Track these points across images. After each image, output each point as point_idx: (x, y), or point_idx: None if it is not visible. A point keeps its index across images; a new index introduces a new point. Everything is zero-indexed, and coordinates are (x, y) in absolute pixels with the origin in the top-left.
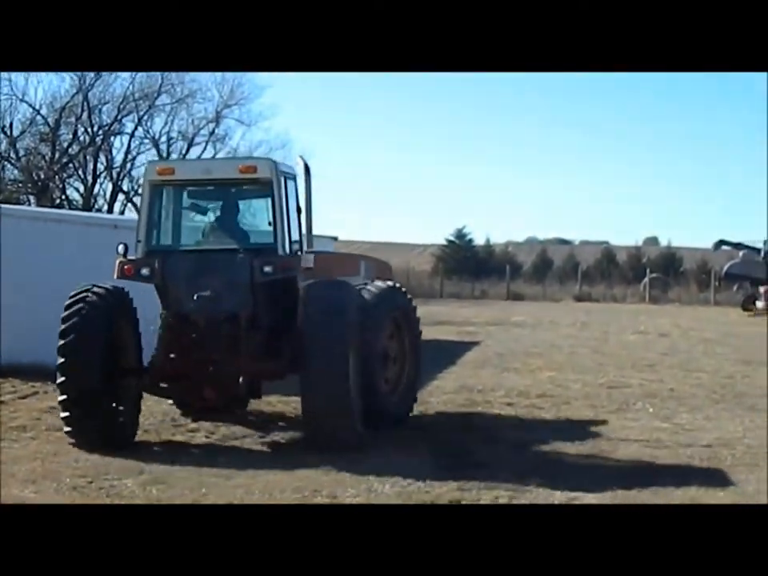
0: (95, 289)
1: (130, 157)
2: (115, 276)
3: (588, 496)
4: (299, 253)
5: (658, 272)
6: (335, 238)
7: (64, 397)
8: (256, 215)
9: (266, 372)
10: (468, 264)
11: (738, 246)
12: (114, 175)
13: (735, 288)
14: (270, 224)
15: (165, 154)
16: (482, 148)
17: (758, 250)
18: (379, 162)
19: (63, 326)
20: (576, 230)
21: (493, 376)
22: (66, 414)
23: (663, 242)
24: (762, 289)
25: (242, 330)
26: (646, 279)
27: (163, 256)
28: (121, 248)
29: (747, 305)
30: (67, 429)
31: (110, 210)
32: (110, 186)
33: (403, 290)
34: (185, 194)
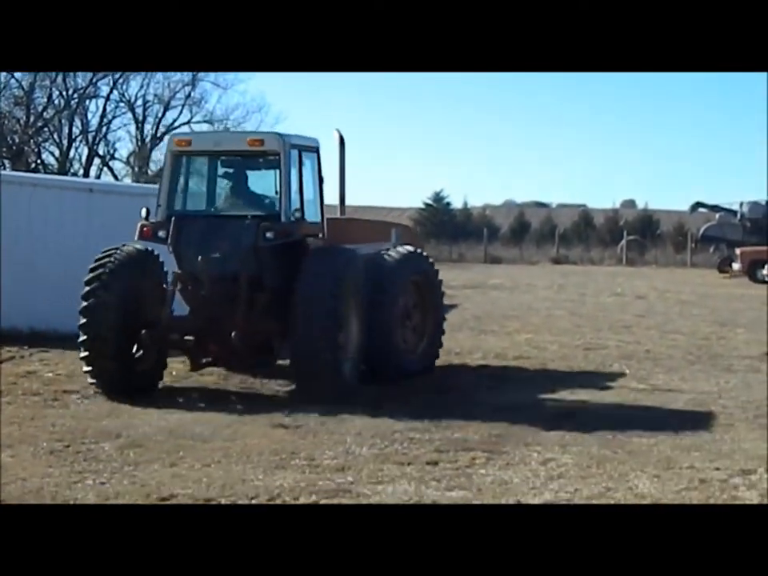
0: (119, 250)
1: (105, 120)
2: (136, 237)
3: (564, 457)
4: (305, 219)
5: (635, 234)
6: None
7: (84, 337)
8: (265, 185)
9: (262, 331)
10: (446, 227)
11: (714, 208)
12: (90, 139)
13: (711, 250)
14: (276, 193)
15: (141, 118)
16: (459, 111)
17: (734, 212)
18: (356, 124)
19: (86, 281)
20: (553, 193)
21: (470, 338)
22: (85, 353)
23: (640, 205)
24: (737, 251)
25: (242, 290)
26: (623, 242)
27: (178, 220)
28: (143, 212)
29: (723, 267)
30: (86, 369)
31: (86, 174)
32: (86, 150)
33: (425, 254)
34: (201, 164)
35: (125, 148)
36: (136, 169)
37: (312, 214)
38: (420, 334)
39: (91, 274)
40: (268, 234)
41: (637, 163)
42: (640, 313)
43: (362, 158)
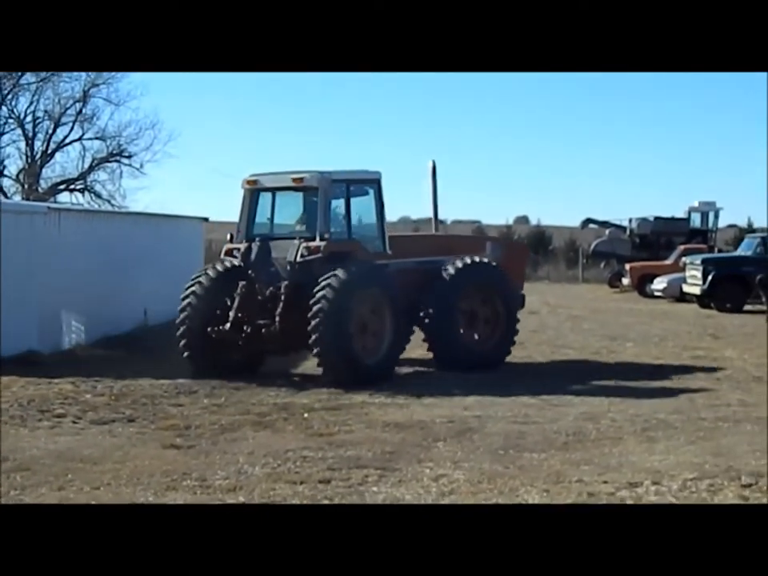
0: (207, 269)
1: None
2: (222, 255)
3: (455, 473)
4: (336, 238)
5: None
6: (206, 219)
7: (178, 331)
8: (310, 213)
9: (294, 328)
10: None
11: (604, 224)
12: None
13: (602, 265)
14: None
15: (30, 134)
16: (363, 119)
17: (624, 228)
18: (251, 141)
19: (182, 296)
20: (449, 209)
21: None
22: (181, 342)
23: (533, 221)
24: (627, 266)
25: (286, 296)
26: None
27: (248, 242)
28: (228, 236)
29: (613, 281)
30: (185, 353)
31: None
32: None
33: (492, 264)
34: (266, 198)
35: (14, 165)
36: (26, 186)
37: (359, 235)
38: (488, 333)
39: (186, 287)
40: (303, 252)
41: (529, 181)
42: (533, 328)
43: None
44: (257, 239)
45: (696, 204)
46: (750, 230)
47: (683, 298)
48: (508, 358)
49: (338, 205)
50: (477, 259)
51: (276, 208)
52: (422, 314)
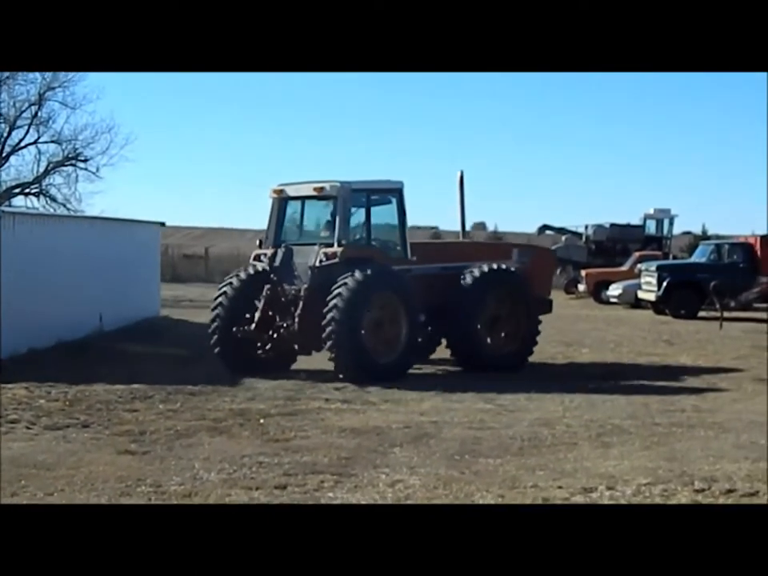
0: (237, 273)
1: None
2: (251, 260)
3: (411, 479)
4: (351, 244)
5: None
6: (162, 224)
7: (210, 328)
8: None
9: (312, 328)
10: None
11: (560, 230)
12: None
13: (558, 271)
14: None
15: None
16: (313, 127)
17: (580, 235)
18: (210, 147)
19: (214, 296)
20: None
21: (321, 362)
22: (213, 338)
23: (490, 227)
24: (583, 272)
25: (305, 298)
26: None
27: (275, 247)
28: (258, 242)
29: (569, 288)
30: (216, 349)
31: None
32: None
33: (513, 270)
34: (292, 207)
35: None
36: None
37: (380, 242)
38: (508, 336)
39: (218, 289)
40: (322, 257)
41: (487, 187)
42: None
43: (217, 179)
44: (282, 245)
45: (651, 211)
46: (705, 237)
47: (638, 304)
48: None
49: (360, 213)
50: (497, 266)
51: (303, 216)
52: (442, 316)
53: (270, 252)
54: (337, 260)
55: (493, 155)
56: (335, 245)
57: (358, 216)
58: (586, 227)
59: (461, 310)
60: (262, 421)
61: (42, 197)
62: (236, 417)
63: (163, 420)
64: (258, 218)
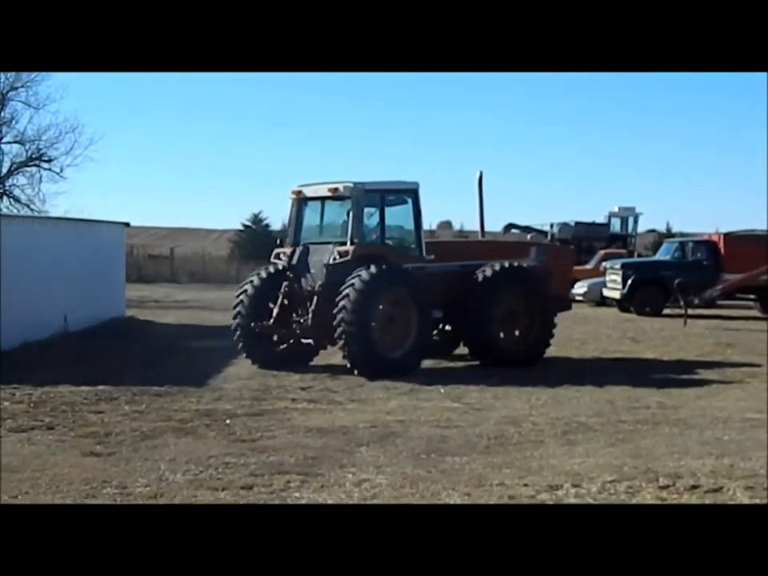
0: (261, 271)
1: None
2: (272, 258)
3: (378, 478)
4: (362, 243)
5: None
6: (127, 224)
7: (232, 324)
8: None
9: (325, 323)
10: (265, 249)
11: (526, 229)
12: None
13: None
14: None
15: None
16: (277, 131)
17: (545, 233)
18: (175, 147)
19: (236, 294)
20: None
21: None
22: (236, 334)
23: (456, 226)
24: None
25: (320, 294)
26: None
27: (293, 246)
28: (278, 240)
29: None
30: (239, 345)
31: None
32: None
33: (528, 268)
34: (311, 207)
35: None
36: None
37: (395, 240)
38: (522, 332)
39: (241, 286)
40: (335, 256)
41: (452, 186)
42: None
43: (182, 180)
44: (301, 244)
45: (616, 209)
46: (669, 234)
47: (603, 302)
48: (431, 363)
49: (374, 213)
50: (509, 263)
51: (323, 216)
52: (458, 313)
53: (289, 250)
54: (349, 258)
55: (457, 155)
56: (348, 243)
57: (375, 216)
58: (552, 225)
59: (474, 307)
60: (228, 421)
61: (5, 198)
62: (202, 417)
63: (129, 421)
64: (225, 219)
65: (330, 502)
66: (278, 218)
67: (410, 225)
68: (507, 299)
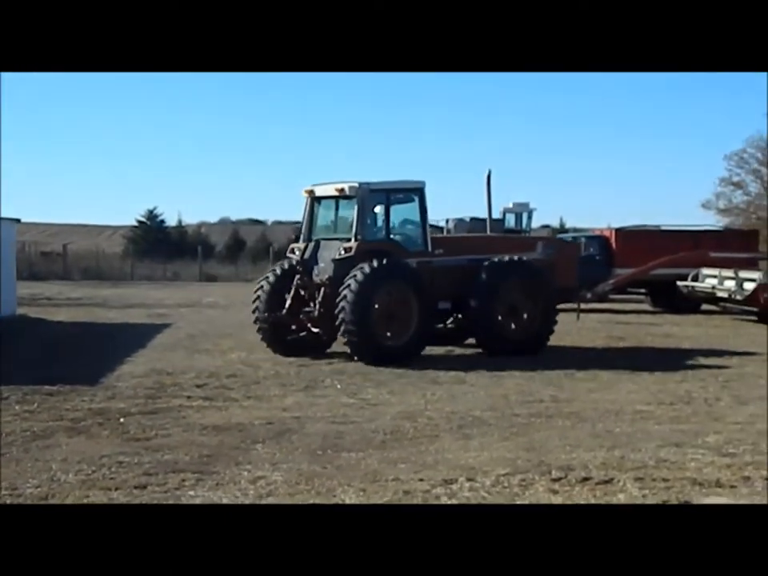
0: (277, 266)
1: None
2: (287, 253)
3: (273, 475)
4: (366, 239)
5: None
6: (18, 220)
7: (253, 318)
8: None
9: (331, 315)
10: (160, 246)
11: None
12: None
13: None
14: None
15: None
16: (175, 127)
17: (441, 228)
18: (68, 141)
19: (254, 288)
20: (269, 210)
21: (184, 358)
22: (256, 325)
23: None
24: None
25: (328, 288)
26: None
27: (306, 242)
28: (293, 236)
29: None
30: (260, 336)
31: None
32: None
33: (531, 262)
34: (323, 206)
35: None
36: None
37: (401, 237)
38: (525, 323)
39: (259, 281)
40: (341, 251)
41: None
42: None
43: (74, 176)
44: (313, 240)
45: (510, 205)
46: (562, 230)
47: None
48: (329, 359)
49: (381, 211)
50: (515, 257)
51: (337, 213)
52: (464, 304)
53: (302, 246)
54: (353, 253)
55: (356, 145)
56: (353, 240)
57: (382, 214)
58: (447, 221)
59: (477, 298)
60: (122, 420)
61: None
62: (95, 416)
63: (19, 421)
64: (119, 215)
65: (225, 500)
66: (173, 213)
67: (416, 221)
68: (509, 291)
